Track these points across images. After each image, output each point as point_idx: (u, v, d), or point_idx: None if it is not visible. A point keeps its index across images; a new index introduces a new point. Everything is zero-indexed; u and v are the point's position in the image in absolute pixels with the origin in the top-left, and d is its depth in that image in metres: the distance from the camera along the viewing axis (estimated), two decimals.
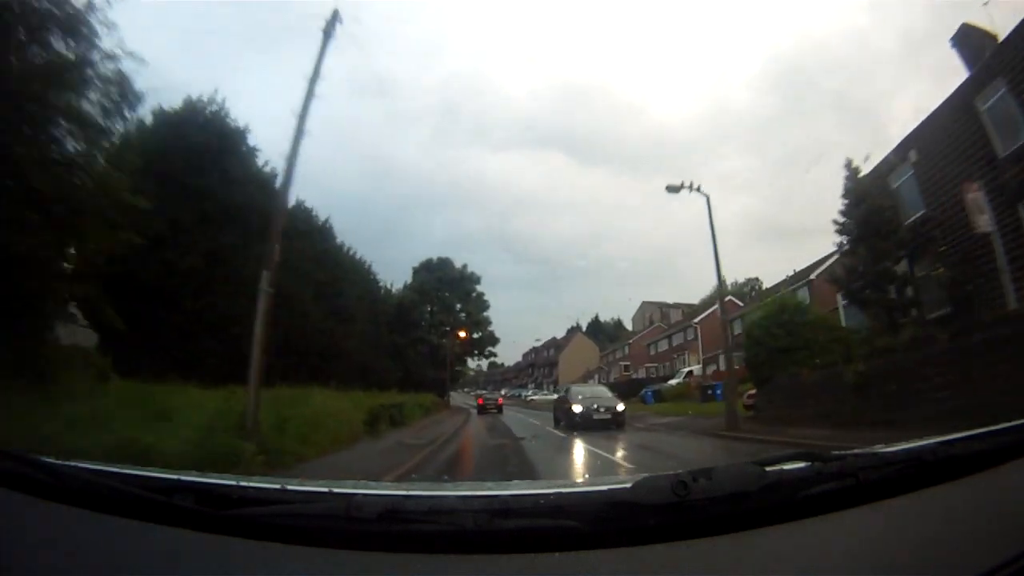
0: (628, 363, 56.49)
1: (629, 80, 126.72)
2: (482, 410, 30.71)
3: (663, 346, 49.64)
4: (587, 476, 8.07)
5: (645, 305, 71.81)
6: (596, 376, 58.96)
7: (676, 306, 62.94)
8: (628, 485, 0.94)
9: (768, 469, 0.96)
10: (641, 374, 49.01)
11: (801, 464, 1.04)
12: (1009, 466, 1.05)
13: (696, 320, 42.99)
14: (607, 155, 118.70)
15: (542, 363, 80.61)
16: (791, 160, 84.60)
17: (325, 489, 1.07)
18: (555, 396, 52.21)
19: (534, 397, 52.58)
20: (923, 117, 13.87)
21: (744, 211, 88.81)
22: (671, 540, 0.88)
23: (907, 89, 77.54)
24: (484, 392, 46.78)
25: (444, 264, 46.92)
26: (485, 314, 47.82)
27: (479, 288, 47.80)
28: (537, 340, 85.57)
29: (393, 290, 41.02)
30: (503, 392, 66.07)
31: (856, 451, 1.14)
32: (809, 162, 79.92)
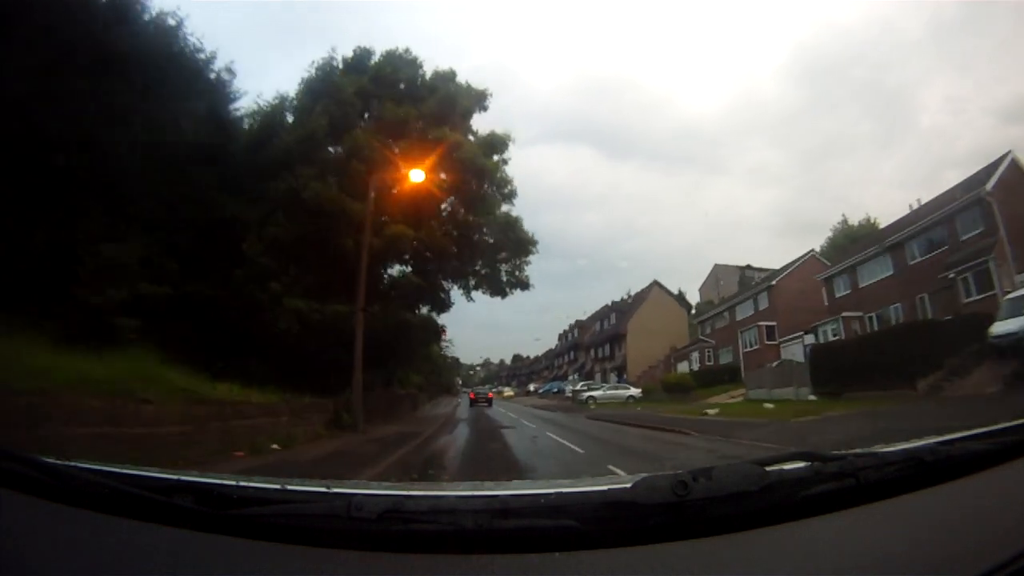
0: (773, 323, 30.52)
1: (656, 72, 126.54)
2: (473, 403, 33.70)
3: (873, 272, 23.98)
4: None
5: (718, 268, 56.91)
6: (696, 355, 37.21)
7: (760, 269, 45.39)
8: (628, 485, 0.93)
9: (768, 469, 0.96)
10: (811, 340, 25.07)
11: (801, 464, 1.04)
12: (1009, 466, 1.05)
13: (990, 185, 18.50)
14: (635, 149, 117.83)
15: (593, 342, 54.83)
16: (820, 152, 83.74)
17: (325, 489, 1.07)
18: (634, 391, 30.12)
19: (594, 394, 30.83)
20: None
21: (773, 204, 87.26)
22: (671, 540, 0.88)
23: (935, 77, 76.41)
24: (479, 388, 45.84)
25: (393, 61, 17.37)
26: (504, 172, 17.38)
27: (486, 109, 17.77)
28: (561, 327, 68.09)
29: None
30: (531, 388, 58.68)
31: (856, 451, 1.14)
32: (838, 153, 77.47)
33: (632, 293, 52.55)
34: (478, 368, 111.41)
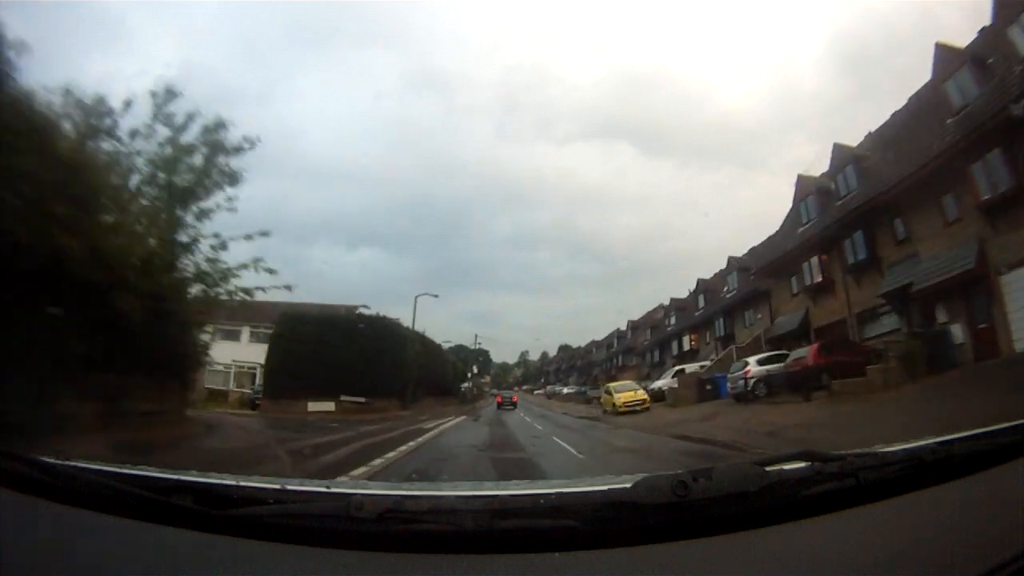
0: None
1: (695, 66, 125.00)
2: (500, 407, 34.58)
3: None
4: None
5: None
6: None
7: None
8: (628, 485, 0.93)
9: (768, 469, 0.96)
10: None
11: (801, 464, 1.04)
12: (1009, 466, 1.05)
13: None
14: (674, 145, 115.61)
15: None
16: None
17: (325, 489, 1.07)
18: None
19: None
20: None
21: None
22: (671, 540, 0.88)
23: None
24: (505, 392, 48.39)
25: None
26: None
27: None
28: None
29: None
30: (701, 365, 23.64)
31: (856, 451, 1.14)
32: None
33: None
34: (512, 366, 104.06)
